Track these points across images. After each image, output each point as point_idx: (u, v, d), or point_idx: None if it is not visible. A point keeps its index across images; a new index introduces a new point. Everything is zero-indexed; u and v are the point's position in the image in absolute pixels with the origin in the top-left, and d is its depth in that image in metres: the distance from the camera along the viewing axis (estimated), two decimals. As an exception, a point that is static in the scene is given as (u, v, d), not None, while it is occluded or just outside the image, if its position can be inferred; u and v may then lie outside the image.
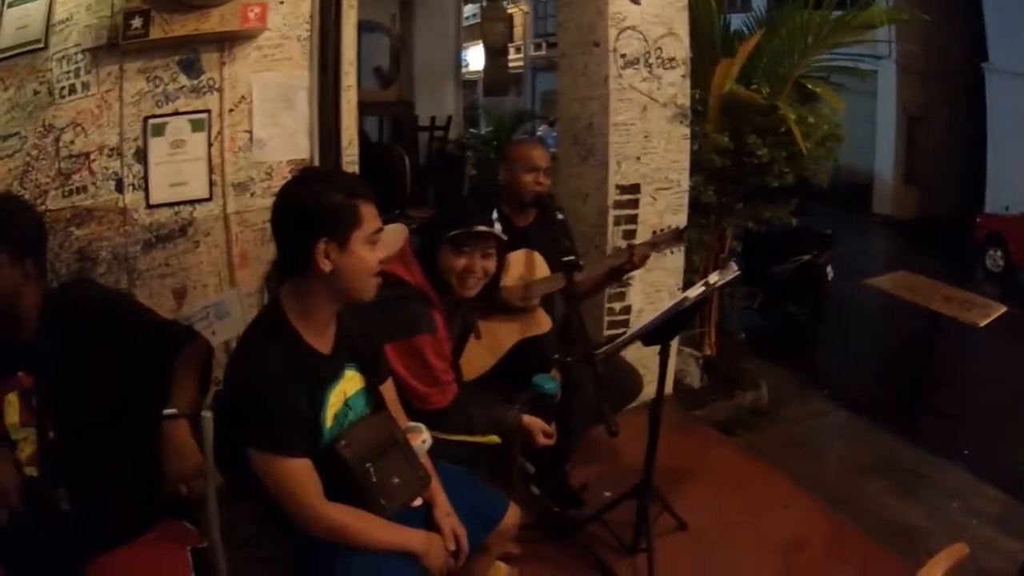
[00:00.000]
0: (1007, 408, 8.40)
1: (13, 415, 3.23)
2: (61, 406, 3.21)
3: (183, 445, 3.17)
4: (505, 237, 4.04)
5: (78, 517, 3.17)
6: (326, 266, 2.87)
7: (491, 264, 4.04)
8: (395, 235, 3.89)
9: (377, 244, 3.01)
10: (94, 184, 4.61)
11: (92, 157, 4.58)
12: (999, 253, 17.28)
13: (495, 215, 4.09)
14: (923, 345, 8.01)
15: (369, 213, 2.97)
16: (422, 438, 3.34)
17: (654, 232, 5.27)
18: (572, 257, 4.47)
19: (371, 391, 3.27)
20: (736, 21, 7.92)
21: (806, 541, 5.15)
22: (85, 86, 4.54)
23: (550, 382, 4.12)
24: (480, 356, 4.59)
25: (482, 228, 3.92)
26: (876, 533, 5.37)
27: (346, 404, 3.13)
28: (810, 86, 7.46)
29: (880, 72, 21.72)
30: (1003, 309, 7.54)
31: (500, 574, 4.35)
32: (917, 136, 23.95)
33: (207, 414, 3.27)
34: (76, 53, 4.50)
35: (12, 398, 3.23)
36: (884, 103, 23.79)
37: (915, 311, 7.97)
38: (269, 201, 3.10)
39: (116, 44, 4.51)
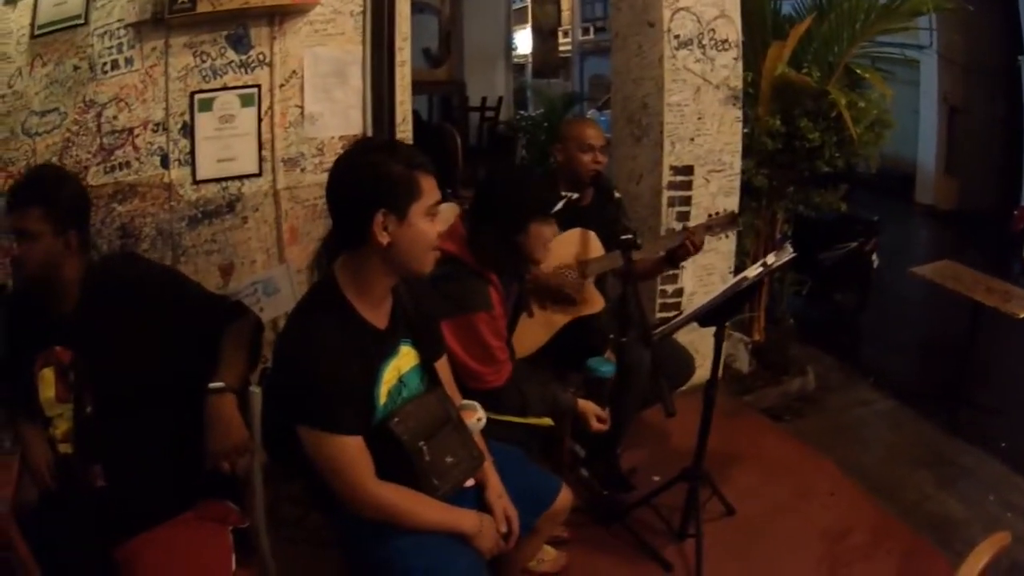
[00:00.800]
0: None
1: (48, 391, 3.25)
2: (99, 381, 3.21)
3: (229, 420, 3.16)
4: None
5: (114, 495, 3.17)
6: (384, 239, 2.82)
7: None
8: (447, 212, 3.86)
9: (436, 217, 2.96)
10: (138, 160, 4.64)
11: (136, 132, 4.61)
12: (1035, 247, 17.19)
13: None
14: (965, 336, 7.96)
15: (429, 185, 2.92)
16: (477, 416, 3.32)
17: (709, 216, 5.24)
18: (630, 236, 4.42)
19: (426, 368, 3.24)
20: (786, 6, 7.88)
21: (851, 529, 5.12)
22: (128, 61, 4.56)
23: (605, 365, 4.09)
24: (533, 334, 4.59)
25: (572, 195, 4.06)
26: (916, 523, 5.36)
27: (400, 380, 3.10)
28: (859, 71, 7.42)
29: (922, 62, 21.63)
30: (1041, 301, 7.50)
31: (548, 557, 4.35)
32: (958, 127, 23.83)
33: (255, 390, 3.25)
34: (119, 28, 4.53)
35: (47, 373, 3.25)
36: (926, 93, 23.63)
37: (958, 301, 7.92)
38: (320, 177, 3.09)
39: (161, 19, 4.52)
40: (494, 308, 3.84)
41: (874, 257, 11.07)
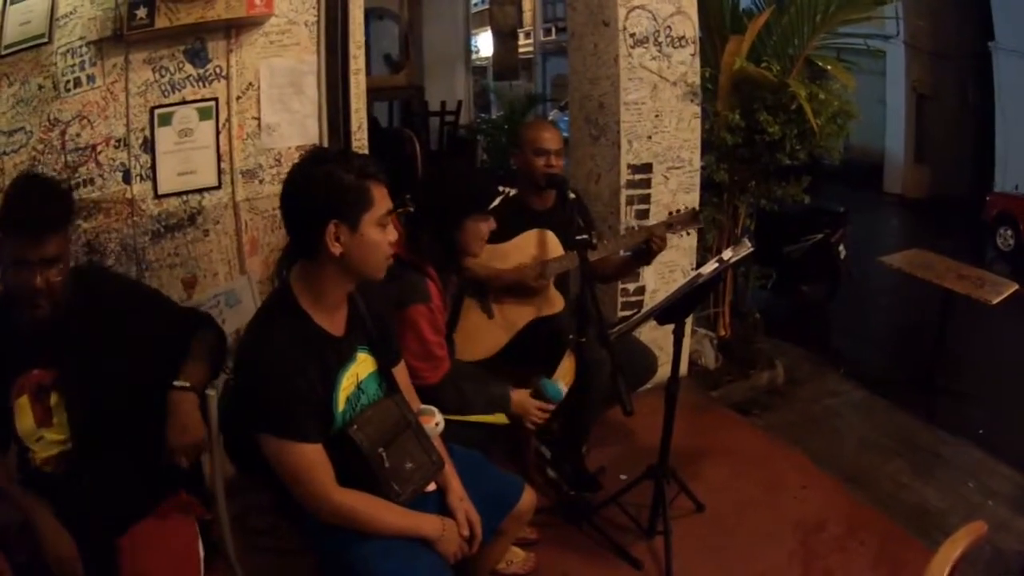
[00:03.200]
0: (1019, 386, 8.38)
1: (26, 419, 3.20)
2: (89, 396, 3.21)
3: (188, 417, 3.20)
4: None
5: (99, 502, 3.17)
6: (336, 249, 2.86)
7: None
8: None
9: (388, 226, 2.98)
10: (101, 176, 4.59)
11: (99, 149, 4.57)
12: (1009, 232, 17.28)
13: None
14: (937, 323, 7.99)
15: (380, 195, 2.95)
16: (435, 421, 3.35)
17: (670, 213, 5.24)
18: (584, 236, 4.44)
19: (384, 374, 3.25)
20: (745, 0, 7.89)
21: (824, 521, 5.12)
22: (90, 78, 4.52)
23: (553, 387, 4.06)
24: (493, 335, 4.62)
25: (509, 190, 4.14)
26: (893, 513, 5.36)
27: (358, 387, 3.12)
28: (820, 63, 7.43)
29: (889, 52, 21.73)
30: (1015, 287, 7.55)
31: (516, 559, 4.35)
32: (927, 115, 23.99)
33: (212, 393, 3.28)
34: (81, 46, 4.48)
35: (24, 402, 3.19)
36: (893, 82, 23.81)
37: (928, 289, 7.96)
38: (278, 188, 3.07)
39: (121, 35, 4.48)
40: (432, 300, 3.84)
41: (841, 248, 11.13)
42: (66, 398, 3.20)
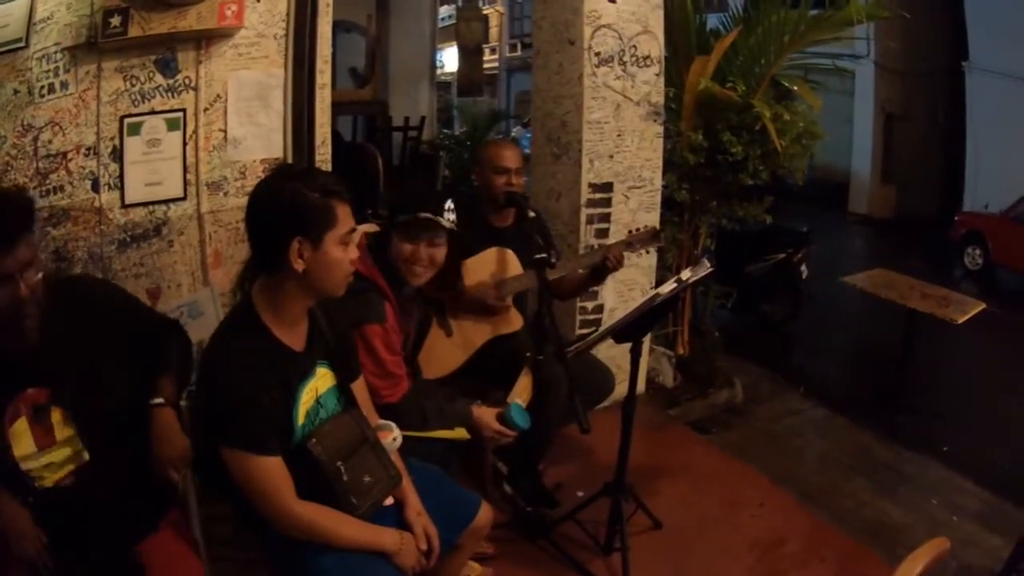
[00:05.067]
0: (986, 404, 8.46)
1: (25, 446, 3.11)
2: (88, 405, 3.19)
3: (171, 430, 3.20)
4: (452, 227, 3.91)
5: (113, 514, 3.18)
6: (299, 265, 2.87)
7: (438, 254, 3.92)
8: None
9: (350, 244, 3.01)
10: (71, 184, 4.59)
11: (69, 156, 4.57)
12: (977, 251, 17.40)
13: (449, 205, 3.95)
14: (900, 343, 8.02)
15: (344, 213, 2.97)
16: (392, 436, 3.36)
17: (629, 232, 5.26)
18: (543, 255, 4.46)
19: (342, 389, 3.28)
20: (713, 20, 7.91)
21: (783, 539, 5.15)
22: (64, 85, 4.52)
23: (522, 417, 4.04)
24: (451, 353, 4.63)
25: (427, 215, 3.82)
26: (854, 530, 5.40)
27: (317, 402, 3.14)
28: (787, 83, 7.47)
29: (858, 71, 21.81)
30: (981, 306, 7.59)
31: (474, 573, 4.36)
32: (896, 135, 24.09)
33: (184, 403, 3.32)
34: (56, 52, 4.49)
35: (21, 427, 3.10)
36: (862, 102, 23.90)
37: (892, 309, 7.99)
38: (243, 200, 3.10)
39: (95, 43, 4.49)
40: (387, 321, 3.81)
41: (803, 268, 11.14)
42: (71, 410, 3.15)
